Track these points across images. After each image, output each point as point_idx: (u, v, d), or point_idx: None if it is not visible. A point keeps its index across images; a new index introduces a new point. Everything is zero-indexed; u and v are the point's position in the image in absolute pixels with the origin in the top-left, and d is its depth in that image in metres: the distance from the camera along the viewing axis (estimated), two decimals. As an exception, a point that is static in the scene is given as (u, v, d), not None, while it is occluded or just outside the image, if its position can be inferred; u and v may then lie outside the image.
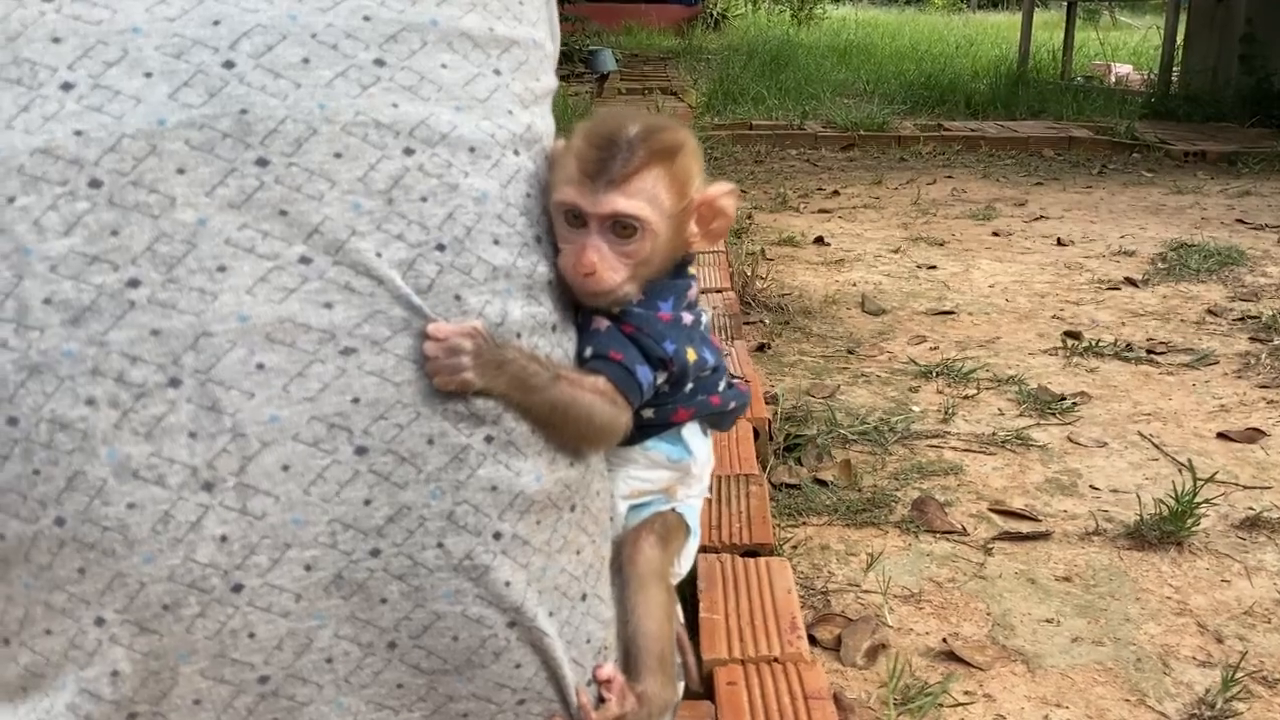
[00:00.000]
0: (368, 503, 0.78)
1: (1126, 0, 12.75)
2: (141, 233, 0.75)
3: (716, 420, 1.04)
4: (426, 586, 0.80)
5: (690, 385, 0.97)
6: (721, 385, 1.02)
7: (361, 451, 0.78)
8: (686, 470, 1.02)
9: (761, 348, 3.16)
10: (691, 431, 1.01)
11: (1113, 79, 10.05)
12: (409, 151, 0.81)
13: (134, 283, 0.74)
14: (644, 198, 0.88)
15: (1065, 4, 10.52)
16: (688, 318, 0.95)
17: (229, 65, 0.78)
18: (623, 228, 0.88)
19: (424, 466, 0.79)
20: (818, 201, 5.33)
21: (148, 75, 0.77)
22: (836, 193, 5.54)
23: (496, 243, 0.83)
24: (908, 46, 13.00)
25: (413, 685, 0.82)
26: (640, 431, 0.95)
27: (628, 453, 0.99)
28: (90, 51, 0.77)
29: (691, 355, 0.94)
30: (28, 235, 0.74)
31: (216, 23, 0.80)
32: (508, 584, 0.82)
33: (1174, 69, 8.70)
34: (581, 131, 0.91)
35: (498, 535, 0.82)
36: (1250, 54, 7.84)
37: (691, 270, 0.98)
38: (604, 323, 0.91)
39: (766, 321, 3.42)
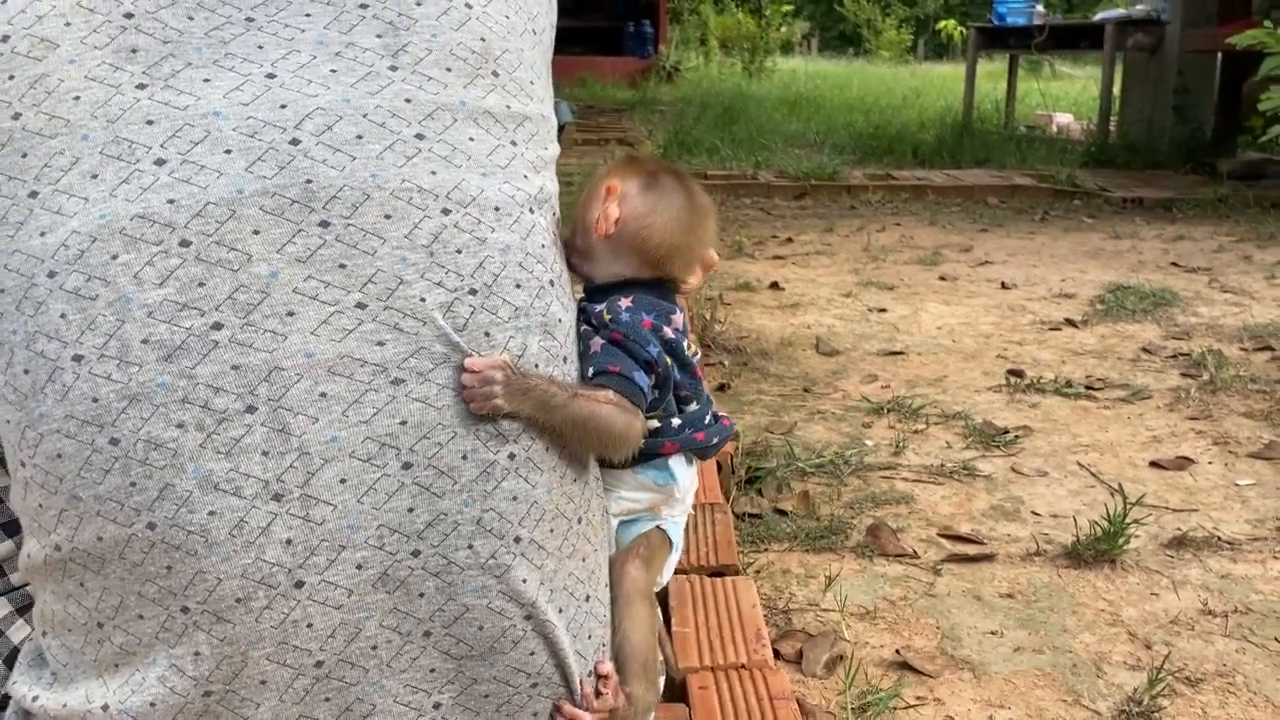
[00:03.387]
0: (411, 510, 0.91)
1: (1066, 52, 13.22)
2: (223, 284, 0.88)
3: (701, 451, 1.16)
4: (458, 582, 0.93)
5: (678, 421, 1.11)
6: (708, 419, 1.14)
7: (407, 466, 0.91)
8: (670, 494, 1.15)
9: (722, 387, 3.30)
10: (677, 461, 1.14)
11: (1054, 128, 10.41)
12: (446, 212, 0.95)
13: (217, 325, 0.87)
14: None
15: (1008, 56, 10.91)
16: (669, 333, 1.08)
17: (295, 142, 0.92)
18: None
19: (459, 479, 0.92)
20: (772, 248, 5.51)
21: (227, 152, 0.91)
22: (790, 240, 5.73)
23: (518, 287, 0.97)
24: (856, 98, 13.36)
25: (443, 669, 0.95)
26: (631, 459, 1.07)
27: (619, 475, 1.12)
28: (179, 132, 0.91)
29: (669, 361, 1.07)
30: (128, 286, 0.86)
31: (284, 106, 0.93)
32: (524, 581, 0.95)
33: (1112, 119, 9.05)
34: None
35: (518, 539, 0.95)
36: (1183, 105, 8.20)
37: (680, 302, 1.13)
38: (598, 342, 1.04)
39: (726, 363, 3.57)
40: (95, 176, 0.89)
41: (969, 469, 2.69)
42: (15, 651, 1.05)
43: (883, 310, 4.29)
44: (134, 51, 0.94)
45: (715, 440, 1.15)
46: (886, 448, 2.84)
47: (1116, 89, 9.11)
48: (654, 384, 1.06)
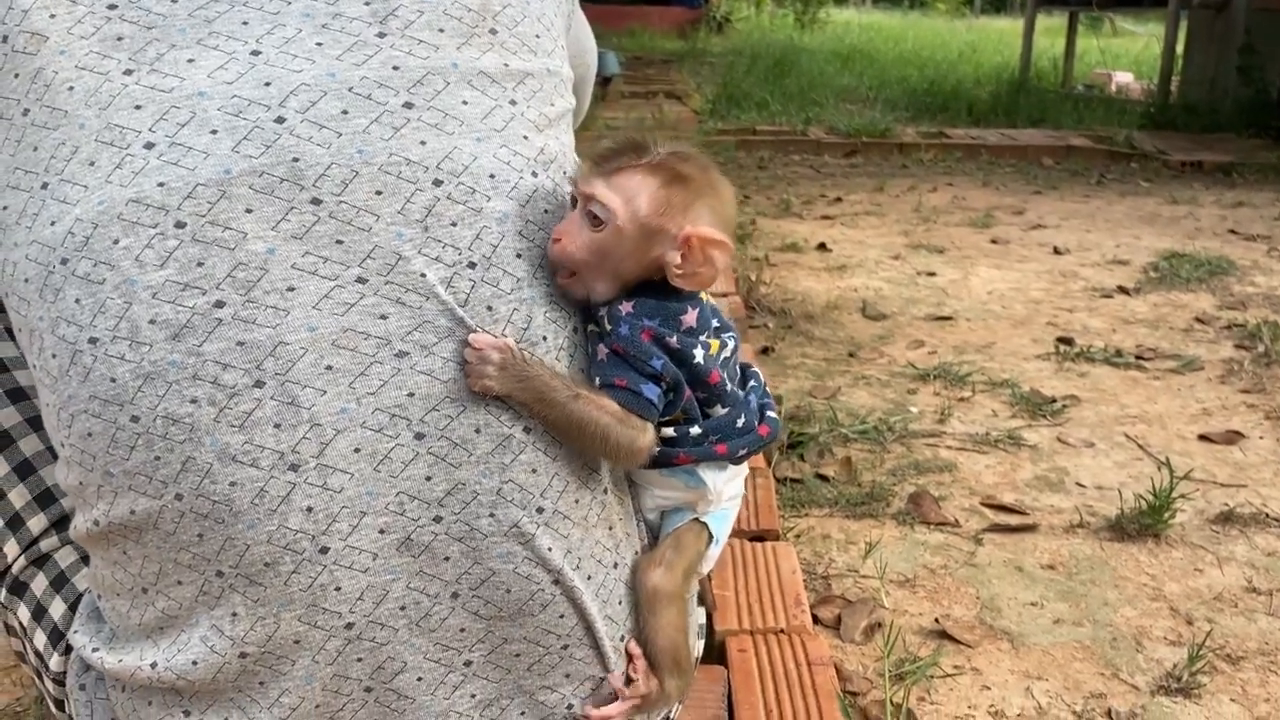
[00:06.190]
0: (429, 478, 0.92)
1: (1129, 8, 12.89)
2: (222, 263, 0.89)
3: (725, 461, 1.08)
4: (482, 548, 0.94)
5: (698, 429, 1.04)
6: (740, 422, 1.06)
7: (420, 436, 0.92)
8: (702, 496, 1.09)
9: (765, 351, 3.30)
10: (705, 467, 1.07)
11: (1113, 88, 10.19)
12: (437, 183, 0.94)
13: (220, 304, 0.89)
14: (620, 195, 0.96)
15: (1067, 11, 10.67)
16: (674, 341, 1.00)
17: (280, 120, 0.92)
18: (595, 217, 0.96)
19: (474, 450, 0.93)
20: (820, 208, 5.47)
21: (213, 132, 0.91)
22: (839, 199, 5.68)
23: (519, 256, 0.97)
24: (911, 52, 13.15)
25: (473, 629, 0.97)
26: (648, 463, 1.02)
27: (648, 475, 1.08)
28: (166, 115, 0.92)
29: (676, 369, 1.00)
30: (131, 269, 0.88)
31: (268, 84, 0.93)
32: (550, 549, 0.96)
33: (1173, 79, 8.84)
34: (622, 133, 1.00)
35: (540, 510, 0.96)
36: (1248, 65, 7.97)
37: (703, 298, 1.04)
38: (603, 350, 1.00)
39: (770, 325, 3.57)
40: (93, 164, 0.91)
41: (1014, 438, 2.68)
42: (80, 597, 1.09)
43: (932, 274, 4.26)
44: (119, 39, 0.95)
45: (742, 452, 1.07)
46: (931, 415, 2.83)
47: (1180, 48, 8.88)
48: (666, 390, 0.99)
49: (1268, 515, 2.28)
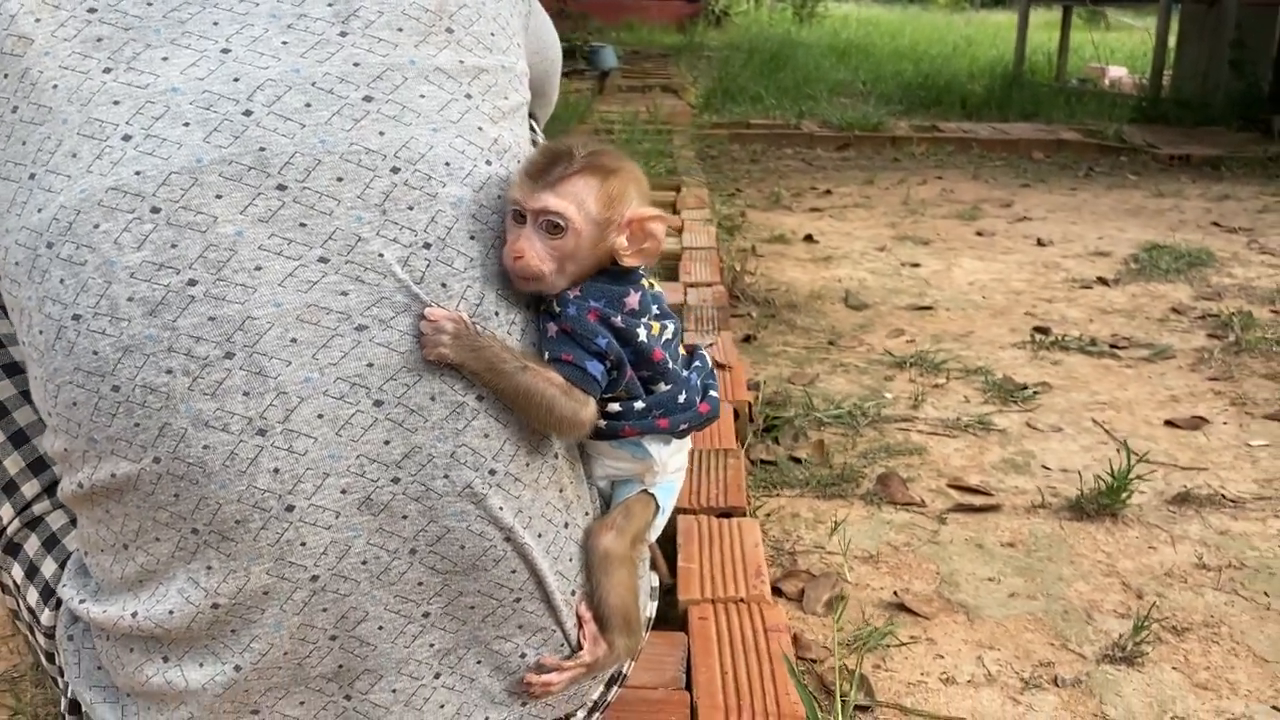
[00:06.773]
0: (387, 443, 1.00)
1: (1122, 2, 12.94)
2: (194, 244, 0.97)
3: (668, 435, 1.16)
4: (438, 507, 1.02)
5: (642, 404, 1.12)
6: (681, 399, 1.14)
7: (378, 404, 1.00)
8: (649, 467, 1.18)
9: (748, 339, 3.38)
10: (650, 439, 1.16)
11: (1107, 82, 10.25)
12: (395, 170, 1.02)
13: (192, 282, 0.97)
14: (572, 201, 1.04)
15: (1062, 6, 10.73)
16: (619, 321, 1.08)
17: (248, 113, 1.01)
18: (552, 225, 1.04)
19: (429, 417, 1.01)
20: (810, 200, 5.54)
21: (186, 125, 1.00)
22: (829, 192, 5.75)
23: (472, 238, 1.04)
24: (907, 46, 13.21)
25: (430, 583, 1.05)
26: (596, 435, 1.11)
27: (598, 445, 1.16)
28: (142, 109, 1.00)
29: (620, 348, 1.08)
30: (111, 251, 0.97)
31: (236, 79, 1.02)
32: (501, 509, 1.04)
33: (1166, 73, 8.90)
34: (539, 145, 1.08)
35: (492, 472, 1.04)
36: (1239, 59, 8.04)
37: (645, 283, 1.13)
38: (552, 327, 1.08)
39: (754, 314, 3.64)
40: (74, 155, 0.99)
41: (984, 423, 2.76)
42: (69, 556, 1.17)
43: (916, 265, 4.33)
44: (99, 40, 1.03)
45: (683, 426, 1.15)
46: (905, 400, 2.90)
47: (1172, 42, 8.94)
48: (609, 367, 1.08)
49: (1223, 496, 2.36)
